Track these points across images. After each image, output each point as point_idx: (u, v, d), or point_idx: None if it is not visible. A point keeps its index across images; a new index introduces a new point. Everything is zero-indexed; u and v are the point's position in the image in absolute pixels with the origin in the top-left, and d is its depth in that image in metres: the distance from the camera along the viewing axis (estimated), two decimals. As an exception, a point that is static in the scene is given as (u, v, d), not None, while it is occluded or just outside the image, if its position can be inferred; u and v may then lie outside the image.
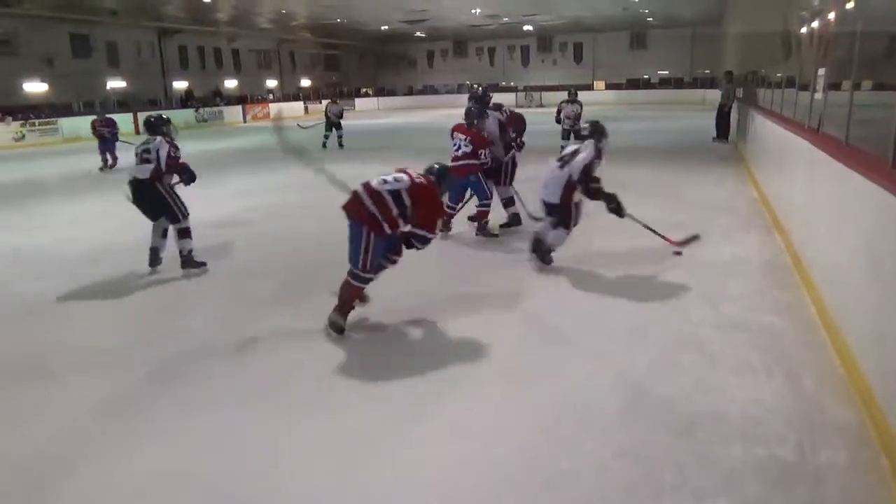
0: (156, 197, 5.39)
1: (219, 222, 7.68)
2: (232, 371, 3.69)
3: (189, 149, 17.90)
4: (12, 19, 22.56)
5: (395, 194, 3.93)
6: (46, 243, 6.99)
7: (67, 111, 22.74)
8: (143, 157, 5.37)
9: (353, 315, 4.19)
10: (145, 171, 5.32)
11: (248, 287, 5.27)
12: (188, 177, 5.63)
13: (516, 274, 5.31)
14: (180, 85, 29.88)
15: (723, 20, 28.67)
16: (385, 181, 3.99)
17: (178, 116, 25.85)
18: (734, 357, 3.59)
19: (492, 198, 6.34)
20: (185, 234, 5.50)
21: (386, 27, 35.41)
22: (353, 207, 3.99)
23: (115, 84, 27.03)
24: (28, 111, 21.77)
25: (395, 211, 3.93)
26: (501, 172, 6.43)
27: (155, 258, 5.61)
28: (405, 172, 4.08)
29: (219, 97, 30.26)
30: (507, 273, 5.37)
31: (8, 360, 3.97)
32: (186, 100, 28.40)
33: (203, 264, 5.59)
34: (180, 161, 5.53)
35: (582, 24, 36.04)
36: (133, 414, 3.24)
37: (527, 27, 36.75)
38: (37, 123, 20.77)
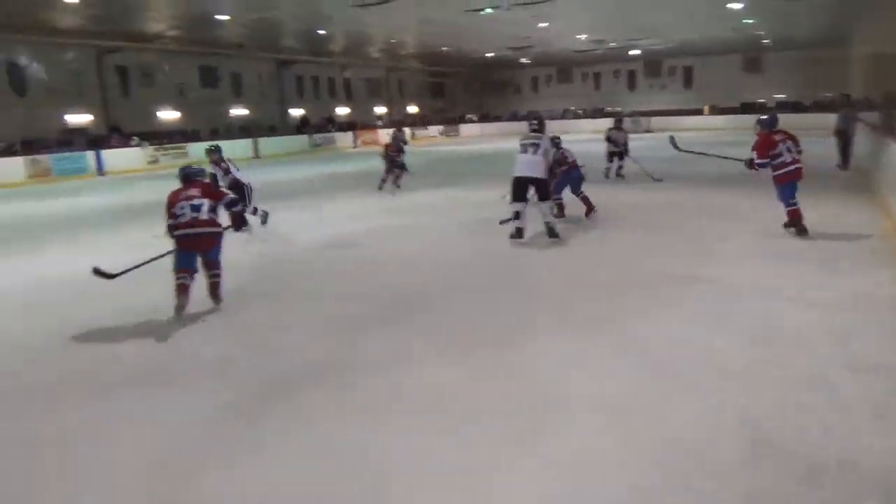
0: None
1: (330, 243, 8.04)
2: (333, 389, 3.80)
3: (304, 172, 18.70)
4: (151, 53, 24.84)
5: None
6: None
7: (196, 137, 24.59)
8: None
9: (450, 342, 4.19)
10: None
11: (351, 308, 5.40)
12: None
13: (614, 296, 5.15)
14: (296, 112, 31.62)
15: (846, 41, 27.02)
16: (790, 149, 6.76)
17: (294, 142, 27.48)
18: (866, 400, 3.33)
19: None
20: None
21: (491, 54, 35.86)
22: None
23: (238, 112, 28.99)
24: (162, 137, 23.97)
25: None
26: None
27: None
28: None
29: (331, 123, 31.84)
30: (605, 296, 5.23)
31: (135, 363, 4.32)
32: (301, 126, 30.00)
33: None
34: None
35: (691, 47, 35.01)
36: (241, 425, 3.42)
37: (633, 51, 36.11)
38: (168, 148, 22.73)
